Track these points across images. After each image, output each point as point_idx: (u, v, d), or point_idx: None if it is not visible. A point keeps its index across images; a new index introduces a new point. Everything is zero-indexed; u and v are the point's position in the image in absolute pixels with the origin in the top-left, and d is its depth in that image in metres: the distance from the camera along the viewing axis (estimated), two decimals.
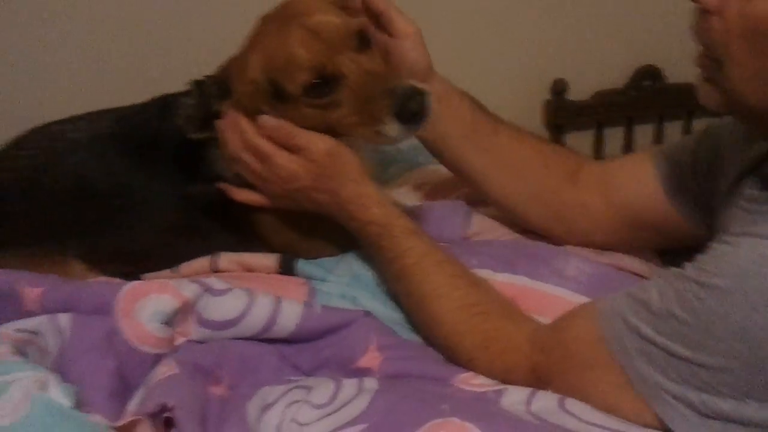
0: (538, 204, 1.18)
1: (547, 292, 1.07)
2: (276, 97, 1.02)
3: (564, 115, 1.91)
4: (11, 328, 0.94)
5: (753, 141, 0.97)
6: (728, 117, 1.04)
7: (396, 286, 1.06)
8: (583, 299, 1.04)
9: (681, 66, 1.92)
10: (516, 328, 0.97)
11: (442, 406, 0.81)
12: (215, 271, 1.13)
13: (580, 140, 1.98)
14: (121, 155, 1.13)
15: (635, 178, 1.13)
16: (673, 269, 0.84)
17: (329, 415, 0.85)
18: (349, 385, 0.90)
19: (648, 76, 1.95)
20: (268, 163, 1.05)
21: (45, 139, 1.15)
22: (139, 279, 1.10)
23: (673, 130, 2.04)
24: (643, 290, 0.85)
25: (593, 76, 1.92)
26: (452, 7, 1.57)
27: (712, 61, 0.83)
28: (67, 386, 0.79)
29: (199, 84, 1.11)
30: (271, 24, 1.04)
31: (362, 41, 1.03)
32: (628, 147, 2.01)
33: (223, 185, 1.11)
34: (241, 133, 1.05)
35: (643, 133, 2.02)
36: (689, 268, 0.82)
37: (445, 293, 1.00)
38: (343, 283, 1.09)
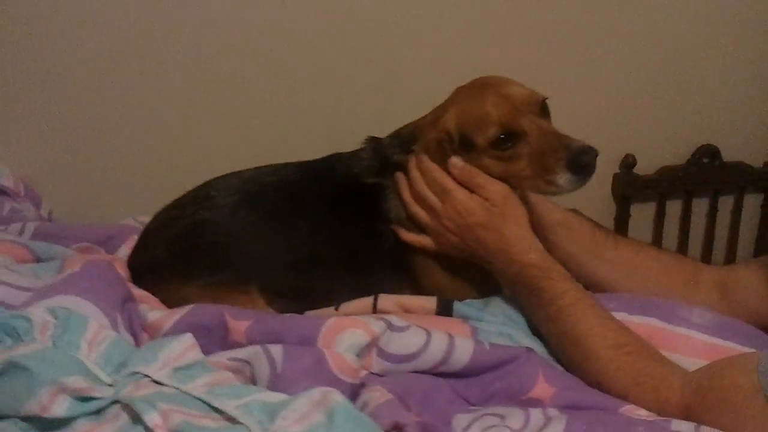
0: None
1: (677, 332, 1.17)
2: (463, 147, 1.20)
3: (631, 187, 2.06)
4: (224, 357, 1.04)
5: None
6: None
7: (550, 326, 1.15)
8: (711, 339, 1.15)
9: (736, 146, 2.11)
10: (666, 368, 1.06)
11: (637, 429, 0.91)
12: (375, 311, 1.23)
13: (645, 211, 2.13)
14: (304, 199, 1.27)
15: (754, 282, 1.27)
16: None
17: None
18: (536, 413, 0.99)
19: (707, 154, 2.10)
20: (449, 198, 1.20)
21: (239, 183, 1.29)
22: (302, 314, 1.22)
23: (726, 204, 2.19)
24: None
25: (658, 152, 2.08)
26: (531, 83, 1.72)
27: None
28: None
29: (374, 140, 1.30)
30: (467, 91, 1.24)
31: (543, 110, 1.20)
32: (686, 218, 2.15)
33: (396, 227, 1.26)
34: (425, 171, 1.22)
35: (700, 205, 2.17)
36: None
37: (599, 333, 1.09)
38: (498, 323, 1.20)
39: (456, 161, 1.21)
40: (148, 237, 1.31)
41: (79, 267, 1.10)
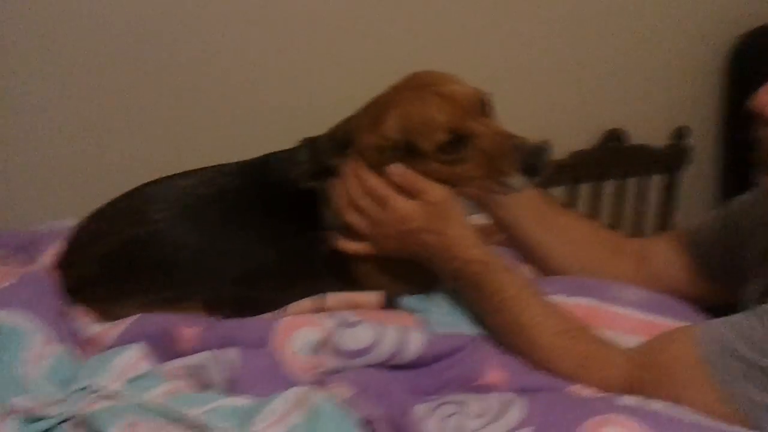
0: (588, 273, 1.35)
1: (615, 311, 1.21)
2: (407, 153, 1.16)
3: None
4: (176, 365, 1.02)
5: None
6: (744, 198, 1.29)
7: (494, 318, 1.17)
8: (648, 316, 1.21)
9: (641, 129, 2.21)
10: (608, 348, 1.11)
11: (594, 405, 0.95)
12: (323, 310, 1.21)
13: (557, 194, 2.19)
14: (242, 209, 1.22)
15: (666, 254, 1.35)
16: (765, 304, 0.99)
17: (492, 422, 0.96)
18: (493, 397, 1.02)
19: (614, 137, 2.19)
20: (387, 205, 1.18)
21: (174, 194, 1.22)
22: None
23: (633, 185, 2.29)
24: (738, 319, 1.00)
25: (570, 138, 2.14)
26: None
27: None
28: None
29: (309, 141, 1.25)
30: (406, 92, 1.18)
31: (485, 107, 1.19)
32: (596, 199, 2.24)
33: (332, 235, 1.22)
34: (362, 180, 1.18)
35: (609, 187, 2.26)
36: None
37: (542, 321, 1.12)
38: (444, 313, 1.21)
39: (396, 168, 1.17)
40: (76, 252, 1.24)
41: (17, 279, 1.04)
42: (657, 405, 0.99)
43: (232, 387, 0.99)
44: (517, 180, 1.13)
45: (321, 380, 1.04)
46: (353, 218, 1.21)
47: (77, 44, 1.59)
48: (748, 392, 0.95)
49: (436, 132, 1.13)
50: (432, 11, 1.88)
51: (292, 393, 0.84)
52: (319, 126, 1.28)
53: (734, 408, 0.96)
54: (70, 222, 1.35)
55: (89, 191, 1.31)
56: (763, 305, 0.99)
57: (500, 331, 1.17)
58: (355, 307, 1.23)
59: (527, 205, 1.34)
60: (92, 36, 1.59)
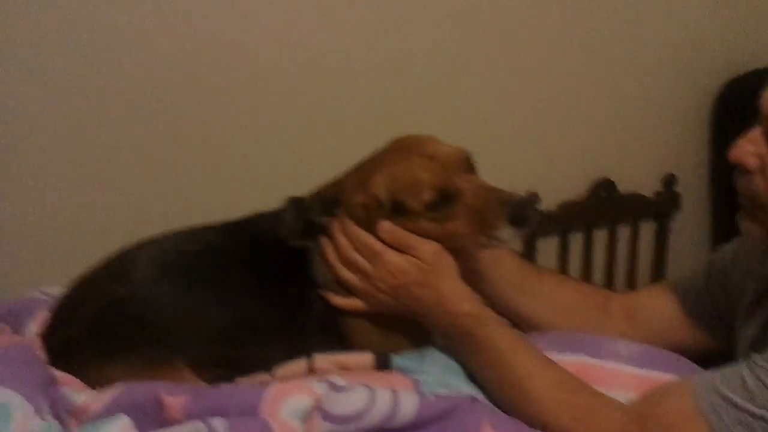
0: None
1: (607, 367, 1.21)
2: (395, 212, 1.18)
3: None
4: None
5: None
6: (727, 248, 1.30)
7: (487, 373, 1.16)
8: (640, 371, 1.20)
9: (630, 179, 2.22)
10: (605, 402, 1.10)
11: None
12: (311, 372, 1.20)
13: (549, 245, 2.19)
14: (228, 266, 1.22)
15: (659, 308, 1.35)
16: (755, 355, 0.99)
17: None
18: None
19: (604, 187, 2.19)
20: (380, 260, 1.19)
21: (157, 253, 1.23)
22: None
23: (624, 234, 2.29)
24: (732, 371, 1.00)
25: (559, 188, 2.15)
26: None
27: (755, 206, 1.03)
28: None
29: (295, 201, 1.26)
30: (391, 155, 1.21)
31: (470, 165, 1.21)
32: (587, 249, 2.24)
33: (324, 292, 1.23)
34: (353, 237, 1.19)
35: (600, 236, 2.26)
36: None
37: (538, 374, 1.12)
38: (438, 373, 1.19)
39: (386, 225, 1.19)
40: (62, 315, 1.23)
41: (2, 351, 1.03)
42: None
43: None
44: (505, 233, 1.15)
45: None
46: (345, 274, 1.22)
47: (73, 110, 1.60)
48: None
49: (423, 191, 1.15)
50: (421, 68, 1.90)
51: None
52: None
53: None
54: (57, 289, 1.34)
55: (79, 256, 1.29)
56: (753, 355, 1.00)
57: (494, 385, 1.16)
58: (344, 368, 1.22)
59: (507, 275, 1.36)
60: (92, 102, 1.61)
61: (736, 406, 0.95)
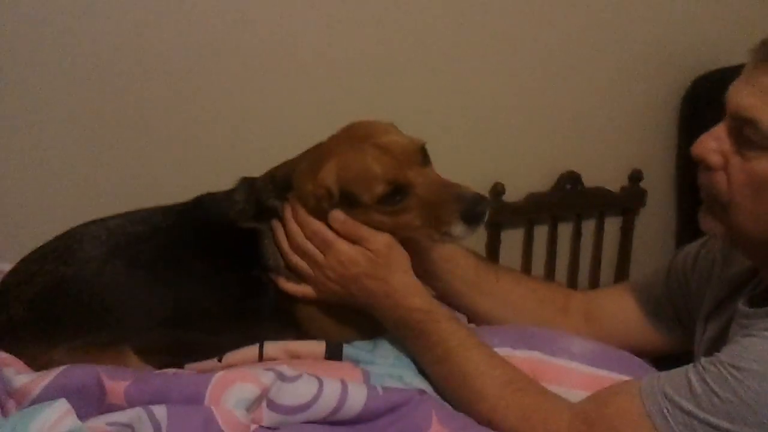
0: None
1: (561, 365, 1.21)
2: (346, 203, 1.16)
3: (501, 214, 2.11)
4: (102, 422, 0.97)
5: (729, 266, 1.19)
6: (688, 251, 1.29)
7: (437, 368, 1.16)
8: (592, 370, 1.20)
9: (595, 172, 2.22)
10: (552, 402, 1.09)
11: None
12: (261, 359, 1.19)
13: (514, 236, 2.19)
14: (177, 248, 1.20)
15: (618, 309, 1.35)
16: (703, 358, 0.99)
17: None
18: None
19: (570, 180, 2.19)
20: (331, 250, 1.17)
21: (105, 233, 1.20)
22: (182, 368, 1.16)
23: (589, 227, 2.29)
24: (679, 373, 1.00)
25: (525, 180, 2.14)
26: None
27: (716, 203, 1.03)
28: None
29: (247, 182, 1.23)
30: (344, 142, 1.18)
31: (424, 157, 1.18)
32: (552, 242, 2.24)
33: (275, 277, 1.21)
34: (305, 225, 1.17)
35: (565, 229, 2.26)
36: (723, 357, 0.96)
37: (486, 372, 1.11)
38: (389, 364, 1.19)
39: (337, 215, 1.17)
40: (5, 295, 1.19)
41: None
42: None
43: None
44: (457, 228, 1.14)
45: None
46: (296, 260, 1.20)
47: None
48: None
49: (375, 184, 1.13)
50: (390, 57, 1.89)
51: None
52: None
53: None
54: (7, 266, 1.31)
55: (30, 232, 1.27)
56: (702, 359, 1.00)
57: (444, 381, 1.16)
58: (295, 356, 1.21)
59: (463, 274, 1.35)
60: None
61: (682, 409, 0.95)
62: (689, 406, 0.95)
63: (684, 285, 1.28)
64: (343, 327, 1.25)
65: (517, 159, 2.12)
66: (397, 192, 1.14)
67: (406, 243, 1.21)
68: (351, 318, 1.25)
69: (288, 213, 1.20)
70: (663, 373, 1.03)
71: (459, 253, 1.34)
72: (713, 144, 1.01)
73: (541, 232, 2.23)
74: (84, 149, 1.66)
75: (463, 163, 1.98)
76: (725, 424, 0.92)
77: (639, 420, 0.99)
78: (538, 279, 1.69)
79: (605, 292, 1.45)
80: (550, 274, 2.26)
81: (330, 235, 1.17)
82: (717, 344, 1.06)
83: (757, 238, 1.01)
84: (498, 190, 2.08)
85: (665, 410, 0.97)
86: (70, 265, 1.16)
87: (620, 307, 1.35)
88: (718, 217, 1.04)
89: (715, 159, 1.01)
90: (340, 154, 1.16)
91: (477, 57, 1.99)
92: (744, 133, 0.97)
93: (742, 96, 0.98)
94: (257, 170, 1.28)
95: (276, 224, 1.22)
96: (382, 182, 1.13)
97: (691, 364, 1.01)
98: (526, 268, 2.23)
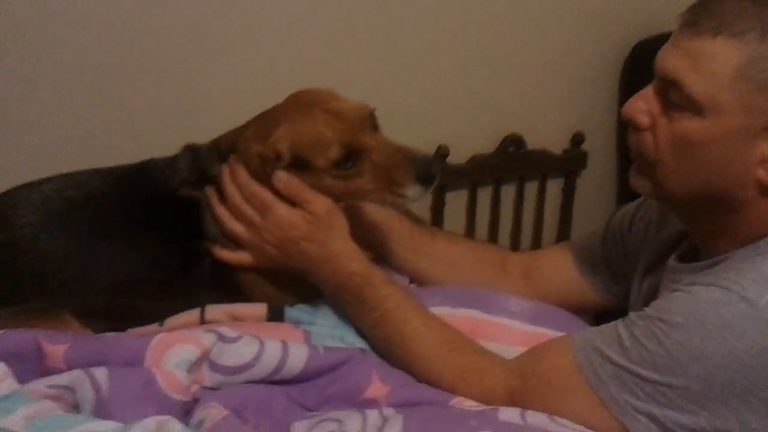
0: None
1: (499, 323, 1.24)
2: (296, 167, 1.16)
3: (445, 176, 2.11)
4: (42, 385, 0.97)
5: (663, 227, 1.23)
6: (625, 211, 1.33)
7: (375, 331, 1.17)
8: (529, 327, 1.23)
9: (538, 135, 2.25)
10: (488, 359, 1.12)
11: (470, 422, 0.95)
12: (203, 323, 1.19)
13: (458, 198, 2.21)
14: (115, 214, 1.19)
15: (556, 268, 1.38)
16: (632, 313, 1.03)
17: None
18: (372, 414, 1.01)
19: (513, 142, 2.21)
20: (269, 212, 1.17)
21: (39, 198, 1.18)
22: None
23: (532, 189, 2.33)
24: (610, 328, 1.03)
25: (469, 142, 2.16)
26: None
27: (644, 162, 1.06)
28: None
29: (191, 148, 1.22)
30: (294, 109, 1.18)
31: (373, 122, 1.19)
32: (496, 203, 2.27)
33: (211, 246, 1.20)
34: (242, 185, 1.17)
35: (508, 191, 2.29)
36: (650, 311, 1.00)
37: (423, 333, 1.14)
38: (330, 325, 1.20)
39: (282, 175, 1.16)
40: None
41: None
42: (535, 418, 1.01)
43: (102, 408, 0.95)
44: (412, 190, 1.16)
45: (197, 398, 1.02)
46: (234, 226, 1.20)
47: None
48: (620, 396, 0.98)
49: (330, 148, 1.14)
50: (330, 22, 1.88)
51: (152, 422, 0.82)
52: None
53: (609, 413, 0.99)
54: None
55: None
56: (631, 314, 1.03)
57: (383, 344, 1.17)
58: (237, 319, 1.21)
59: (400, 237, 1.36)
60: None
61: (611, 361, 0.98)
62: (619, 358, 0.98)
63: (620, 244, 1.32)
64: (283, 292, 1.26)
65: (460, 122, 2.14)
66: (351, 156, 1.15)
67: (343, 208, 1.21)
68: (291, 283, 1.25)
69: (226, 175, 1.19)
70: (594, 328, 1.07)
71: (394, 217, 1.35)
72: (642, 105, 1.04)
73: (484, 194, 2.26)
74: None
75: (407, 126, 2.00)
76: (653, 375, 0.95)
77: (571, 373, 1.02)
78: (475, 240, 1.73)
79: (544, 252, 1.49)
80: (493, 235, 2.30)
81: (269, 197, 1.17)
82: (650, 302, 1.09)
83: (682, 196, 1.04)
84: (442, 152, 2.09)
85: (596, 363, 1.00)
86: (4, 231, 1.14)
87: (558, 267, 1.38)
88: (646, 176, 1.07)
89: (643, 119, 1.03)
90: (293, 119, 1.17)
91: (420, 21, 1.99)
92: (669, 95, 1.00)
93: (668, 59, 1.00)
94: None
95: (211, 191, 1.21)
96: (336, 146, 1.14)
97: (621, 319, 1.04)
98: (470, 229, 2.26)
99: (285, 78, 1.30)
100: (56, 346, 1.01)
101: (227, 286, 1.23)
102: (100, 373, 0.97)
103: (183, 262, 1.21)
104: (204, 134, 1.27)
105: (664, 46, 1.03)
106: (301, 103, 1.19)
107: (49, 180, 1.21)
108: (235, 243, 1.21)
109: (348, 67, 1.91)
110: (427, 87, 2.06)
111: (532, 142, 2.25)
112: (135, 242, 1.18)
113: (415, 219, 1.42)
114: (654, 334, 0.97)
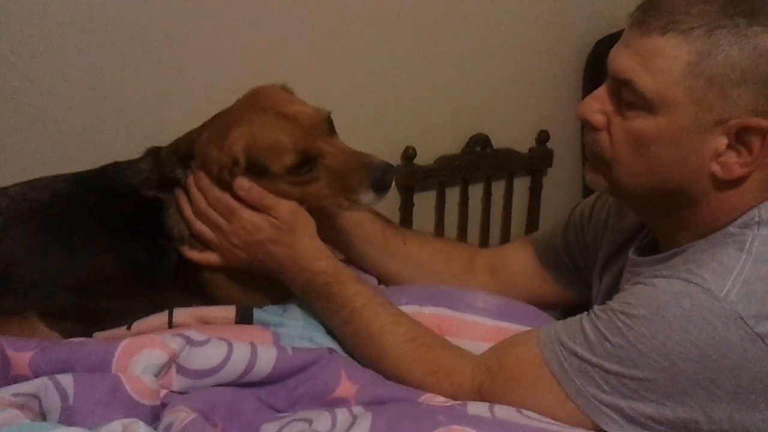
0: None
1: (465, 319, 1.25)
2: (253, 172, 1.16)
3: (413, 178, 2.15)
4: (8, 393, 0.96)
5: (622, 218, 1.25)
6: (585, 204, 1.35)
7: (344, 329, 1.18)
8: (496, 323, 1.24)
9: (504, 134, 2.27)
10: (456, 355, 1.14)
11: (438, 417, 0.96)
12: (171, 326, 1.19)
13: (426, 199, 2.23)
14: (80, 215, 1.19)
15: (519, 263, 1.40)
16: (596, 306, 1.04)
17: None
18: (342, 413, 1.02)
19: (479, 142, 2.23)
20: (234, 216, 1.18)
21: (6, 200, 1.18)
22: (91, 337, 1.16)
23: (499, 188, 2.35)
24: (574, 322, 1.05)
25: (436, 143, 2.18)
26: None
27: (600, 160, 1.07)
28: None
29: (153, 151, 1.23)
30: (249, 111, 1.18)
31: (329, 127, 1.20)
32: (464, 203, 2.29)
33: (179, 245, 1.21)
34: (208, 192, 1.18)
35: (475, 191, 2.31)
36: (613, 304, 1.01)
37: (391, 330, 1.15)
38: (299, 326, 1.21)
39: (242, 183, 1.16)
40: None
41: None
42: (503, 412, 1.02)
43: (70, 416, 0.95)
44: (366, 196, 1.16)
45: (166, 403, 1.02)
46: (200, 227, 1.21)
47: None
48: (586, 389, 0.99)
49: (284, 154, 1.14)
50: (294, 21, 1.88)
51: (118, 425, 0.81)
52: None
53: (576, 406, 1.00)
54: None
55: None
56: (595, 307, 1.04)
57: (351, 341, 1.18)
58: (205, 322, 1.21)
59: (370, 238, 1.37)
60: None
61: (576, 355, 1.00)
62: (583, 352, 0.99)
63: (581, 237, 1.34)
64: (251, 292, 1.26)
65: (427, 123, 2.15)
66: (306, 162, 1.15)
67: (313, 210, 1.22)
68: (258, 283, 1.26)
69: (191, 181, 1.20)
70: (560, 322, 1.08)
71: (365, 218, 1.36)
72: (596, 105, 1.05)
73: (452, 194, 2.27)
74: None
75: (374, 129, 2.03)
76: (617, 368, 0.97)
77: (538, 368, 1.04)
78: (444, 239, 1.74)
79: (508, 247, 1.51)
80: (462, 234, 2.32)
81: (233, 202, 1.17)
82: (611, 294, 1.11)
83: (637, 192, 1.06)
84: (409, 153, 2.11)
85: (561, 357, 1.01)
86: None
87: (521, 261, 1.40)
88: (602, 173, 1.08)
89: (598, 119, 1.05)
90: (247, 124, 1.16)
91: (386, 21, 2.00)
92: (623, 94, 1.01)
93: (619, 58, 1.02)
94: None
95: (179, 193, 1.21)
96: (291, 152, 1.14)
97: (585, 313, 1.05)
98: (439, 229, 2.27)
99: (251, 80, 1.29)
100: (21, 353, 1.01)
101: (193, 285, 1.24)
102: (66, 380, 0.97)
103: (149, 260, 1.21)
104: None
105: (615, 46, 1.04)
106: (255, 106, 1.19)
107: (15, 185, 1.21)
108: (203, 244, 1.22)
109: (313, 70, 1.91)
110: (392, 89, 2.07)
111: (498, 142, 2.26)
112: (100, 242, 1.18)
113: (386, 221, 1.43)
114: (618, 327, 0.98)
